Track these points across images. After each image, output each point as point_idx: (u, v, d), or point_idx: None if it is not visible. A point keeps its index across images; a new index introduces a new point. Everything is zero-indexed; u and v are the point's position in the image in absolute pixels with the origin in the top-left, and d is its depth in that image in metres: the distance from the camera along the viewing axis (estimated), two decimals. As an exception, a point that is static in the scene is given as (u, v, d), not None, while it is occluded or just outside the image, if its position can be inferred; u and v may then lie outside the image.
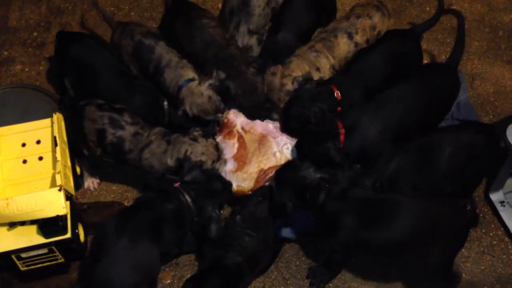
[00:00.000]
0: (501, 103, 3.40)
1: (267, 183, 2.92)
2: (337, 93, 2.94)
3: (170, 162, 2.83)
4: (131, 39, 3.18)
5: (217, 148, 2.91)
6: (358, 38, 3.16)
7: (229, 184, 2.86)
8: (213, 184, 2.77)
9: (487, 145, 2.75)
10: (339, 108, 2.96)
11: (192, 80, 3.05)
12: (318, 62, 3.09)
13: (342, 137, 2.81)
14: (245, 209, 2.80)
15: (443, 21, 3.77)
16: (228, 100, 3.09)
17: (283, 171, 2.77)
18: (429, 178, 2.70)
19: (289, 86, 3.04)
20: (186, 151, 2.80)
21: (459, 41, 3.10)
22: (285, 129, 3.03)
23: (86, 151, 2.94)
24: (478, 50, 3.62)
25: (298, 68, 3.06)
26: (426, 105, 2.90)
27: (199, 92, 2.99)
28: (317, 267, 2.80)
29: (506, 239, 2.92)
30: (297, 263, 2.87)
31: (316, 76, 3.06)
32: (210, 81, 3.01)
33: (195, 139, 2.85)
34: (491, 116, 3.33)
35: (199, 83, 3.02)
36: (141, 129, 2.88)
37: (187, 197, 2.66)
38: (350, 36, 3.15)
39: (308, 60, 3.09)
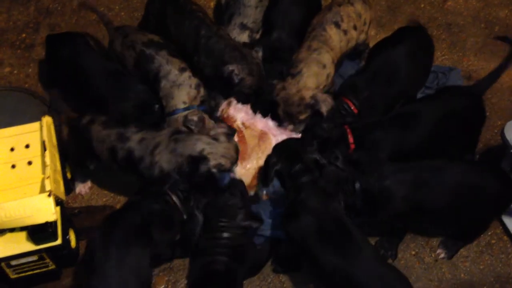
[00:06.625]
0: (498, 100, 3.37)
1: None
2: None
3: (180, 159, 2.62)
4: (133, 50, 3.08)
5: (237, 150, 2.76)
6: (345, 25, 3.11)
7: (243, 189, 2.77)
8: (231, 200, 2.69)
9: (497, 192, 2.66)
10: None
11: (178, 111, 2.93)
12: (322, 59, 3.02)
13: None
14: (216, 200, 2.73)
15: (438, 17, 3.74)
16: (229, 88, 3.02)
17: (289, 139, 2.83)
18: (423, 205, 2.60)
19: (308, 99, 2.93)
20: (203, 150, 2.62)
21: (498, 69, 3.04)
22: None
23: (91, 165, 2.92)
24: (474, 46, 3.59)
25: (309, 78, 2.97)
26: (440, 128, 2.83)
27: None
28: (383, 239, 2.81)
29: (505, 237, 2.89)
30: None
31: (324, 73, 3.00)
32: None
33: (216, 138, 2.68)
34: (487, 113, 3.28)
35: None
36: (146, 133, 2.75)
37: (175, 199, 2.60)
38: (337, 25, 3.09)
39: (313, 61, 3.01)
